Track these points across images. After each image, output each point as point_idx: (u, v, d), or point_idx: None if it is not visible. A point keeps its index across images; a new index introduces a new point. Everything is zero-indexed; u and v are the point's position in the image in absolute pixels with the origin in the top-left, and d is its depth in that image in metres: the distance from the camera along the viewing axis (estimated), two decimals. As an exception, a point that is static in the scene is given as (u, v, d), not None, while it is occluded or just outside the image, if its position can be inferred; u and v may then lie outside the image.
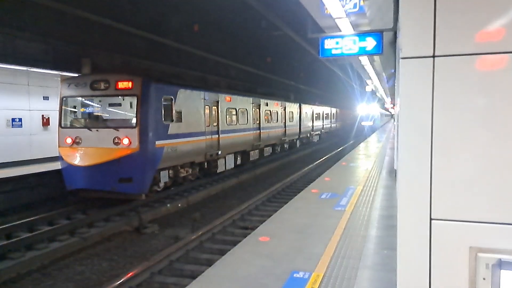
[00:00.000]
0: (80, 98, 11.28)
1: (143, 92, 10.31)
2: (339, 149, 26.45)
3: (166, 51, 17.11)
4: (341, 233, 6.37)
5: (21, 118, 13.78)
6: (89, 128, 10.61)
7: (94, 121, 11.21)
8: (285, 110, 23.04)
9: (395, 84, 11.12)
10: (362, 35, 7.49)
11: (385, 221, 7.11)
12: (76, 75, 12.20)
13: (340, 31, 7.96)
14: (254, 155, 18.52)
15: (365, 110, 45.65)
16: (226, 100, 15.34)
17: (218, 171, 14.78)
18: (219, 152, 14.45)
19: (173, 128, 11.36)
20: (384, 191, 9.76)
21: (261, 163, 19.58)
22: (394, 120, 27.90)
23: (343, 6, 6.49)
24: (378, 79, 19.99)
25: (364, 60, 12.78)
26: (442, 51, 2.06)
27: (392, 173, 12.02)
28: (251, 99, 18.10)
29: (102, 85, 10.64)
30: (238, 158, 16.90)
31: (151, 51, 16.63)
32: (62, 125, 11.00)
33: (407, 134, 2.17)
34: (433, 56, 2.07)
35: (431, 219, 2.12)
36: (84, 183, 10.14)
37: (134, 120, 10.36)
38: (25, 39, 12.55)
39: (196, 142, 12.73)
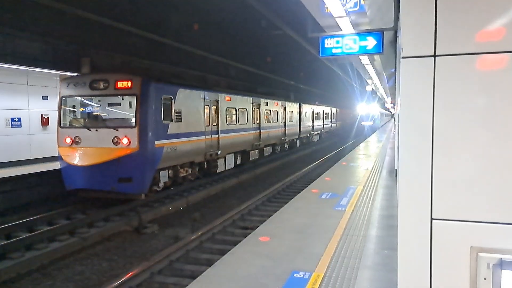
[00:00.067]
0: (79, 98, 11.26)
1: (143, 91, 10.30)
2: (339, 149, 26.44)
3: (166, 50, 17.08)
4: (342, 233, 6.36)
5: (20, 118, 13.77)
6: (88, 128, 10.59)
7: (93, 121, 11.19)
8: (285, 109, 23.03)
9: (396, 84, 11.11)
10: (363, 34, 7.49)
11: (385, 221, 7.10)
12: (75, 74, 12.17)
13: (341, 30, 7.95)
14: (254, 155, 18.51)
15: (365, 109, 45.61)
16: (226, 99, 15.33)
17: (218, 171, 14.77)
18: (219, 152, 14.44)
19: (172, 127, 11.35)
20: (384, 191, 9.75)
21: (261, 163, 19.57)
22: (394, 119, 27.91)
23: (344, 5, 6.49)
24: (379, 78, 20.00)
25: (365, 59, 12.77)
26: (443, 51, 2.05)
27: (393, 173, 12.01)
28: (251, 98, 18.09)
29: (102, 85, 10.63)
30: (238, 158, 16.89)
31: (151, 50, 16.61)
32: (62, 125, 10.99)
33: (407, 134, 2.16)
34: (434, 56, 2.06)
35: (432, 219, 2.12)
36: (84, 183, 10.13)
37: (133, 120, 10.35)
38: (25, 38, 12.53)
39: (195, 142, 12.72)
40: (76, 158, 10.23)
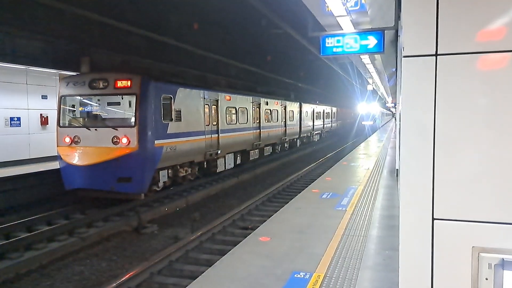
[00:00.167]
0: (78, 97, 11.24)
1: (142, 91, 10.28)
2: (339, 149, 26.43)
3: (165, 49, 17.07)
4: (342, 233, 6.34)
5: (19, 117, 13.76)
6: (87, 127, 10.57)
7: (92, 120, 11.17)
8: (285, 109, 23.01)
9: (397, 83, 11.10)
10: (364, 33, 7.48)
11: (386, 221, 7.09)
12: (75, 74, 12.16)
13: (341, 29, 7.94)
14: (254, 154, 18.49)
15: (366, 109, 45.58)
16: (226, 99, 15.31)
17: (217, 171, 14.76)
18: (219, 152, 14.42)
19: (172, 127, 11.33)
20: (385, 191, 9.73)
21: (261, 162, 19.55)
22: (395, 119, 27.91)
23: (344, 4, 6.47)
24: (379, 77, 19.99)
25: (365, 58, 12.77)
26: (445, 50, 2.03)
27: (394, 172, 12.00)
28: (251, 98, 18.07)
29: (101, 84, 10.61)
30: (238, 157, 16.88)
31: (151, 49, 16.59)
32: (61, 124, 10.96)
33: (408, 133, 2.14)
34: (436, 55, 2.05)
35: (433, 218, 2.10)
36: (83, 183, 10.11)
37: (133, 119, 10.33)
38: (24, 37, 12.52)
39: (195, 141, 12.70)
40: (76, 158, 10.21)
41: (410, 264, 2.18)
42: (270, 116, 20.43)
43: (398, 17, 6.63)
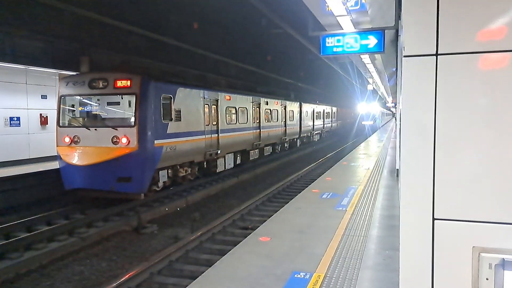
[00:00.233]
0: (78, 97, 11.23)
1: (142, 90, 10.27)
2: (339, 149, 26.43)
3: (165, 49, 17.07)
4: (342, 233, 6.34)
5: (19, 117, 13.75)
6: (87, 127, 10.57)
7: (92, 120, 11.16)
8: (285, 109, 23.00)
9: (397, 83, 11.09)
10: (364, 33, 7.48)
11: (386, 221, 7.08)
12: (74, 73, 12.15)
13: (342, 29, 7.94)
14: (254, 154, 18.48)
15: (366, 109, 45.53)
16: (226, 98, 15.31)
17: (217, 171, 14.75)
18: (219, 152, 14.41)
19: (172, 127, 11.32)
20: (385, 191, 9.73)
21: (261, 162, 19.54)
22: (395, 119, 27.88)
23: (345, 4, 6.46)
24: (380, 77, 19.99)
25: (366, 58, 12.77)
26: (445, 49, 2.03)
27: (394, 172, 11.99)
28: (251, 97, 18.06)
29: (101, 84, 10.60)
30: (238, 157, 16.87)
31: (151, 49, 16.59)
32: (60, 124, 10.96)
33: (409, 133, 2.13)
34: (436, 55, 2.04)
35: (433, 218, 2.10)
36: (83, 183, 10.10)
37: (132, 119, 10.32)
38: (24, 37, 12.51)
39: (195, 141, 12.70)
40: (75, 158, 10.20)
41: (410, 264, 2.18)
42: (270, 116, 20.42)
43: (398, 16, 6.62)
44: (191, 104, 12.59)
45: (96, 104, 11.39)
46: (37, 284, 6.66)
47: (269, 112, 20.36)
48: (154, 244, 8.57)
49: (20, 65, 12.90)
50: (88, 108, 11.50)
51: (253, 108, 18.17)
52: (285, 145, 23.80)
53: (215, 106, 14.31)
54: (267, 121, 19.94)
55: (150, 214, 10.41)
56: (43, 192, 11.81)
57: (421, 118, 2.08)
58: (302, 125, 26.47)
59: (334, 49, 7.67)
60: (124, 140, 10.11)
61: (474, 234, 2.03)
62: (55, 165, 11.44)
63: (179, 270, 6.84)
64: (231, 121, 15.82)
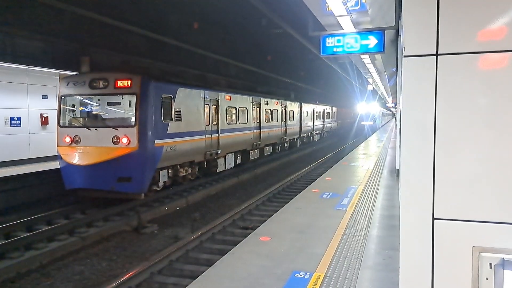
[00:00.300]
0: (79, 97, 11.24)
1: (142, 90, 10.27)
2: (339, 149, 26.44)
3: (165, 49, 17.08)
4: (342, 233, 6.34)
5: (19, 117, 13.75)
6: (88, 127, 10.57)
7: (93, 120, 11.17)
8: (285, 109, 23.00)
9: (397, 83, 11.09)
10: (364, 33, 7.48)
11: (386, 221, 7.08)
12: (75, 73, 12.16)
13: (342, 29, 7.94)
14: (254, 154, 18.49)
15: (366, 109, 45.48)
16: (226, 98, 15.31)
17: (218, 171, 14.75)
18: (219, 151, 14.41)
19: (172, 127, 11.33)
20: (385, 191, 9.73)
21: (261, 162, 19.55)
22: (395, 119, 27.87)
23: (345, 4, 6.47)
24: (380, 77, 19.99)
25: (366, 58, 12.77)
26: (445, 50, 2.03)
27: (394, 172, 11.99)
28: (251, 97, 18.06)
29: (101, 84, 10.61)
30: (238, 157, 16.87)
31: (151, 49, 16.60)
32: (61, 124, 10.96)
33: (409, 133, 2.14)
34: (436, 55, 2.04)
35: (433, 218, 2.10)
36: (83, 183, 10.10)
37: (133, 119, 10.33)
38: (25, 37, 12.51)
39: (195, 141, 12.70)
40: (76, 158, 10.21)
41: (410, 264, 2.18)
42: (270, 116, 20.42)
43: (398, 16, 6.63)
44: (192, 104, 12.59)
45: (97, 104, 11.39)
46: (37, 283, 6.66)
47: (269, 112, 20.36)
48: (154, 244, 8.57)
49: (20, 65, 12.90)
50: (88, 108, 11.51)
51: (253, 108, 18.17)
52: (285, 145, 23.80)
53: (215, 106, 14.31)
54: (267, 121, 19.94)
55: (150, 214, 10.41)
56: (44, 192, 11.81)
57: (421, 118, 2.09)
58: (302, 125, 26.47)
59: (334, 49, 7.68)
60: (124, 140, 10.11)
61: (474, 234, 2.04)
62: (55, 165, 11.45)
63: (179, 270, 6.84)
64: (231, 121, 15.82)
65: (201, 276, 4.82)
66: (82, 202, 10.83)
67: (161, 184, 11.38)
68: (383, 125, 59.45)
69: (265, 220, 7.45)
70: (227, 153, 15.46)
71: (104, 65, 14.37)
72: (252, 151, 18.11)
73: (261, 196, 11.96)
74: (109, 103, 11.21)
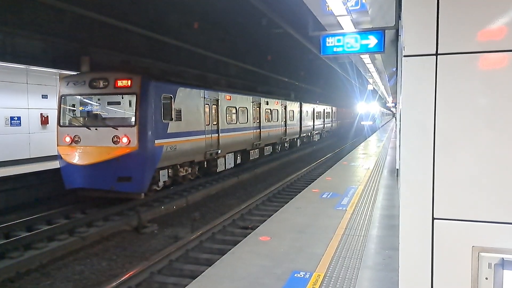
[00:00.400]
0: (79, 97, 11.24)
1: (142, 90, 10.27)
2: (339, 149, 26.44)
3: (166, 49, 17.07)
4: (342, 233, 6.34)
5: (19, 117, 13.75)
6: (88, 127, 10.57)
7: (93, 120, 11.17)
8: (285, 109, 23.00)
9: (397, 83, 11.10)
10: (364, 33, 7.48)
11: (386, 220, 7.09)
12: (75, 73, 12.16)
13: (342, 29, 7.94)
14: (254, 154, 18.49)
15: (365, 108, 45.44)
16: (226, 98, 15.31)
17: (218, 170, 14.75)
18: (219, 151, 14.41)
19: (172, 126, 11.33)
20: (385, 191, 9.73)
21: (261, 162, 19.54)
22: (395, 119, 27.86)
23: (345, 4, 6.47)
24: (380, 77, 19.99)
25: (366, 57, 12.77)
26: (445, 49, 2.03)
27: (394, 172, 11.99)
28: (251, 97, 18.06)
29: (101, 83, 10.61)
30: (238, 157, 16.87)
31: (151, 49, 16.60)
32: (61, 124, 10.96)
33: (409, 133, 2.14)
34: (436, 54, 2.04)
35: (433, 218, 2.10)
36: (83, 182, 10.10)
37: (133, 119, 10.33)
38: (25, 37, 12.51)
39: (195, 141, 12.70)
40: (76, 157, 10.21)
41: (410, 264, 2.18)
42: (270, 115, 20.42)
43: (398, 16, 6.62)
44: (192, 103, 12.59)
45: (97, 104, 11.39)
46: (37, 283, 6.66)
47: (269, 112, 20.36)
48: (154, 243, 8.57)
49: (20, 64, 12.90)
50: (88, 108, 11.51)
51: (253, 108, 18.17)
52: (285, 145, 23.80)
53: (215, 106, 14.31)
54: (267, 121, 19.94)
55: (150, 213, 10.41)
56: (44, 192, 11.81)
57: (421, 118, 2.09)
58: (302, 125, 26.47)
59: (334, 49, 7.68)
60: (124, 140, 10.11)
61: (474, 234, 2.04)
62: (55, 164, 11.45)
63: (179, 270, 6.84)
64: (232, 121, 15.82)
65: (201, 276, 4.82)
66: (82, 201, 10.83)
67: (161, 183, 11.39)
68: (383, 125, 59.38)
69: (265, 220, 7.45)
70: (227, 153, 15.46)
71: (104, 65, 14.37)
72: (252, 151, 18.11)
73: (261, 196, 11.96)
74: (109, 103, 11.21)
